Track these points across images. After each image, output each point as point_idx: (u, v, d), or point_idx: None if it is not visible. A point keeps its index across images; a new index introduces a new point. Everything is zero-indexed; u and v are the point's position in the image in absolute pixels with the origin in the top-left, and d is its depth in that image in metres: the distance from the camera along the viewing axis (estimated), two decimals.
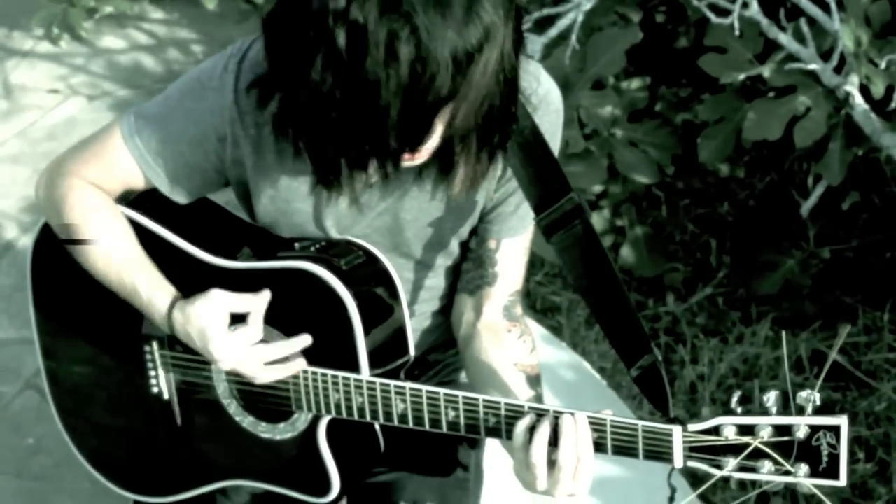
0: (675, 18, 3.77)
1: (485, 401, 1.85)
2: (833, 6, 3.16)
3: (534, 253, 2.09)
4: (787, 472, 1.75)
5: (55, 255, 2.08)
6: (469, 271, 2.06)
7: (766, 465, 1.76)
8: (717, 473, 1.78)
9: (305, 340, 1.94)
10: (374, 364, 1.93)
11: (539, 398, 1.96)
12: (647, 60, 3.69)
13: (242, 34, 1.97)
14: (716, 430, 1.77)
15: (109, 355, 2.13)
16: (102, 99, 4.02)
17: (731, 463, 1.77)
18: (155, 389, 2.11)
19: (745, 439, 1.76)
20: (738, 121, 3.36)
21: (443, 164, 1.81)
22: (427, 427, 1.89)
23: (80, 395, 2.22)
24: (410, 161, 1.76)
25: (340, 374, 1.92)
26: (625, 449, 1.81)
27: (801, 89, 3.25)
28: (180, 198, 2.02)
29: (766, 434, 1.75)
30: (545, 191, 1.91)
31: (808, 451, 1.75)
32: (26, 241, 3.45)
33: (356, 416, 1.93)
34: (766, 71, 3.29)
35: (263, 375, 1.94)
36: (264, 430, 2.04)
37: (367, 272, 1.97)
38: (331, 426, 1.99)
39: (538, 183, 1.91)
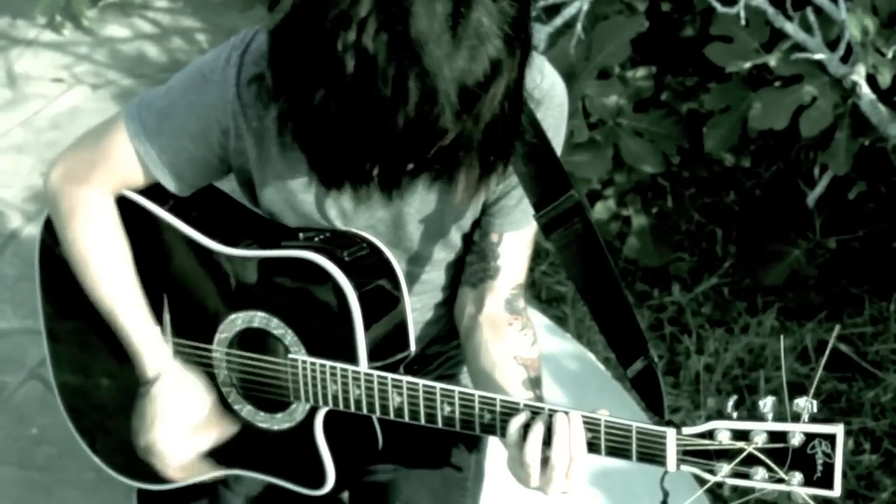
0: (681, 7, 3.75)
1: (480, 397, 1.85)
2: None
3: (538, 243, 2.09)
4: (781, 480, 1.73)
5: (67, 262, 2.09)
6: (472, 264, 2.05)
7: (760, 472, 1.74)
8: (711, 479, 1.76)
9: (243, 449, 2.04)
10: (373, 357, 1.92)
11: (538, 397, 1.95)
12: (652, 49, 3.67)
13: (247, 23, 1.97)
14: (710, 434, 1.75)
15: (114, 343, 2.13)
16: (106, 88, 4.01)
17: (725, 468, 1.75)
18: None
19: (740, 444, 1.74)
20: (744, 110, 3.35)
21: (445, 171, 1.80)
22: (423, 421, 1.89)
23: (85, 383, 2.23)
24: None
25: (339, 365, 1.91)
26: (618, 450, 1.80)
27: (808, 79, 3.24)
28: (185, 191, 2.02)
29: (760, 440, 1.73)
30: (545, 188, 1.90)
31: (802, 459, 1.72)
32: (30, 231, 3.45)
33: (353, 409, 1.93)
34: (772, 60, 3.28)
35: (174, 475, 2.05)
36: (262, 420, 2.04)
37: (370, 264, 1.96)
38: (328, 419, 1.99)
39: (538, 180, 1.90)
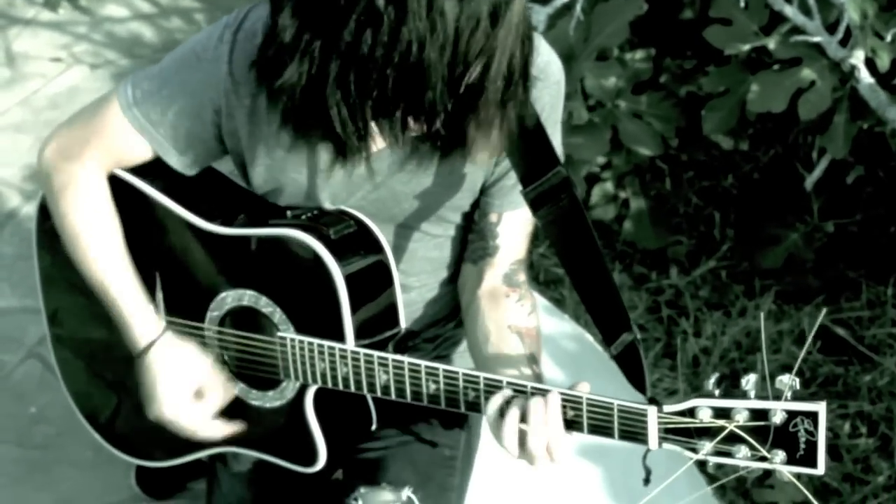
0: None
1: (464, 374, 1.85)
2: None
3: (537, 225, 2.09)
4: (764, 458, 1.71)
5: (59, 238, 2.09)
6: (473, 242, 2.06)
7: (742, 450, 1.72)
8: (693, 457, 1.74)
9: (240, 426, 2.02)
10: (361, 335, 1.93)
11: (534, 368, 1.95)
12: (651, 32, 3.67)
13: (244, 2, 1.96)
14: (691, 412, 1.74)
15: (111, 322, 2.14)
16: (105, 68, 4.01)
17: (707, 446, 1.73)
18: None
19: (721, 422, 1.72)
20: (742, 93, 3.34)
21: (455, 131, 1.80)
22: (409, 399, 1.89)
23: (84, 361, 2.25)
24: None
25: (326, 343, 1.92)
26: (600, 428, 1.79)
27: (807, 62, 3.24)
28: (187, 169, 2.02)
29: (741, 418, 1.71)
30: (533, 163, 1.90)
31: (785, 438, 1.70)
32: (28, 210, 3.45)
33: (341, 386, 1.93)
34: (771, 43, 3.27)
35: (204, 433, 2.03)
36: (255, 398, 2.05)
37: (358, 242, 1.97)
38: (322, 397, 1.99)
39: (526, 155, 1.90)
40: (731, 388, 1.74)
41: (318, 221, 1.96)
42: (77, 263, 2.04)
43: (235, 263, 2.00)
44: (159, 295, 2.08)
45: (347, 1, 1.66)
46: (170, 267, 2.05)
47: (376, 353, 1.89)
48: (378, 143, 1.88)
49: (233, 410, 2.06)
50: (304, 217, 1.98)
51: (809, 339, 1.84)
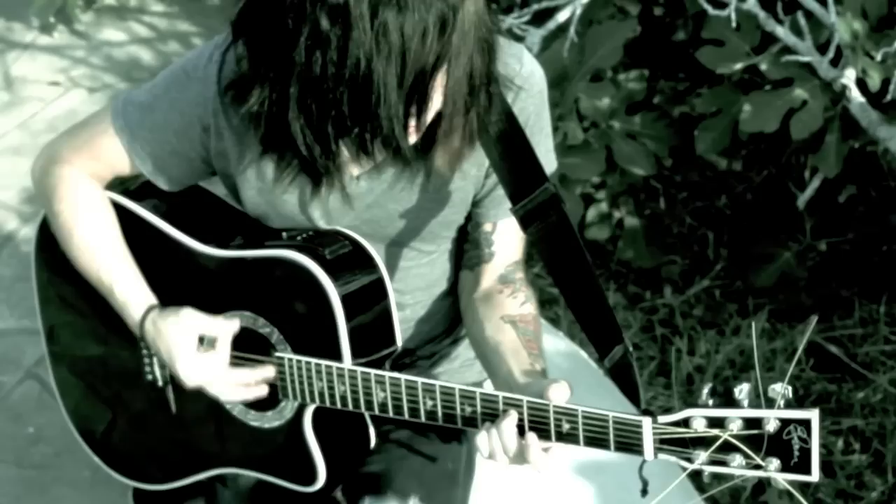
0: (673, 11, 3.78)
1: (461, 390, 1.86)
2: None
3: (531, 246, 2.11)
4: (758, 466, 1.72)
5: (58, 242, 2.10)
6: (468, 251, 2.08)
7: (737, 459, 1.73)
8: (689, 466, 1.75)
9: (269, 371, 1.98)
10: (358, 353, 1.94)
11: (531, 351, 1.95)
12: (644, 53, 3.70)
13: None
14: (686, 423, 1.75)
15: (109, 342, 2.15)
16: (103, 91, 4.03)
17: (702, 456, 1.74)
18: (150, 377, 2.13)
19: (715, 432, 1.73)
20: (735, 113, 3.36)
21: (424, 140, 1.81)
22: (406, 416, 1.90)
23: (82, 381, 2.25)
24: (412, 136, 1.77)
25: (323, 362, 1.93)
26: (596, 440, 1.80)
27: (798, 82, 3.26)
28: (164, 184, 2.04)
29: (735, 427, 1.72)
30: (521, 181, 1.92)
31: (779, 445, 1.71)
32: (27, 232, 3.47)
33: (339, 405, 1.94)
34: (762, 63, 3.30)
35: (229, 395, 2.00)
36: (253, 419, 2.05)
37: (353, 261, 1.98)
38: (320, 417, 2.00)
39: (514, 173, 1.92)
40: (712, 392, 1.76)
41: (314, 242, 1.97)
42: (73, 259, 2.05)
43: (232, 285, 2.01)
44: None
45: (294, 26, 1.68)
46: (167, 290, 2.05)
47: (373, 371, 1.90)
48: (364, 164, 1.90)
49: (231, 432, 2.07)
50: (299, 238, 1.99)
51: (801, 350, 1.85)
